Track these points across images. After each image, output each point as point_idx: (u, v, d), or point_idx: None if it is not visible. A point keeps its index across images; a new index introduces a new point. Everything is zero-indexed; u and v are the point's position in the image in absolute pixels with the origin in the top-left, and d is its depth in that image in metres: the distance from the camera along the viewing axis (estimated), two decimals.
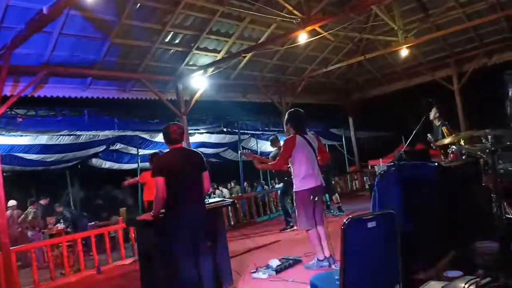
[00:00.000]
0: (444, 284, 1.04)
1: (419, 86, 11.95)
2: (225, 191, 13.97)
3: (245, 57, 8.81)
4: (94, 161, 12.39)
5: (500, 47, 10.17)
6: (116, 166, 12.95)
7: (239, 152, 11.19)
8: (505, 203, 4.28)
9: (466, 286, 0.96)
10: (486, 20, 8.78)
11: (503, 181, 4.22)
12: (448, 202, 3.36)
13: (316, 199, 4.44)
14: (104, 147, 11.27)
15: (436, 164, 3.49)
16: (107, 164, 12.69)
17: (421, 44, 9.53)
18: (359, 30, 10.08)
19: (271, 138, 8.06)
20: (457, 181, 3.75)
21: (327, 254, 4.48)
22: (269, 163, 5.29)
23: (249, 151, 9.51)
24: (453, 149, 4.88)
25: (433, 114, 6.01)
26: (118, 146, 11.52)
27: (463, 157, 4.64)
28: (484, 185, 4.40)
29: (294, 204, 4.73)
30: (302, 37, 7.25)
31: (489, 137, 4.24)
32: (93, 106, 8.80)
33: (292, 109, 4.74)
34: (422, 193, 3.39)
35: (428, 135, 5.30)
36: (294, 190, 4.56)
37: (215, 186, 13.68)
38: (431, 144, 5.49)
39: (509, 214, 4.31)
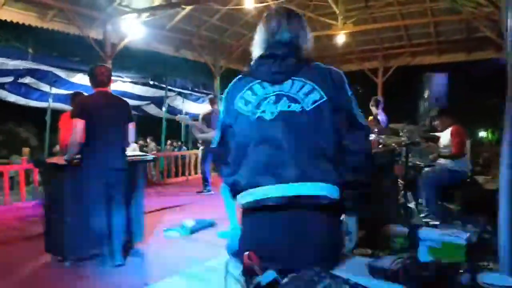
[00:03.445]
0: (370, 260, 1.08)
1: (347, 73, 12.22)
2: (135, 145, 13.38)
3: (184, 9, 8.39)
4: None
5: (424, 50, 10.89)
6: (23, 101, 11.64)
7: (173, 113, 10.79)
8: (409, 193, 4.71)
9: (393, 264, 1.01)
10: (417, 22, 9.35)
11: (409, 173, 4.62)
12: None
13: None
14: (12, 78, 10.04)
15: None
16: (12, 98, 11.35)
17: (356, 33, 9.87)
18: (303, 6, 10.09)
19: (209, 97, 7.87)
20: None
21: None
22: (210, 134, 4.97)
23: (183, 114, 9.00)
24: (372, 138, 5.20)
25: (371, 102, 6.74)
26: (28, 80, 10.36)
27: (380, 146, 4.96)
28: (394, 174, 4.78)
29: None
30: (248, 1, 7.10)
31: (404, 131, 4.58)
32: (6, 31, 7.73)
33: None
34: None
35: None
36: None
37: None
38: None
39: (409, 203, 4.77)
